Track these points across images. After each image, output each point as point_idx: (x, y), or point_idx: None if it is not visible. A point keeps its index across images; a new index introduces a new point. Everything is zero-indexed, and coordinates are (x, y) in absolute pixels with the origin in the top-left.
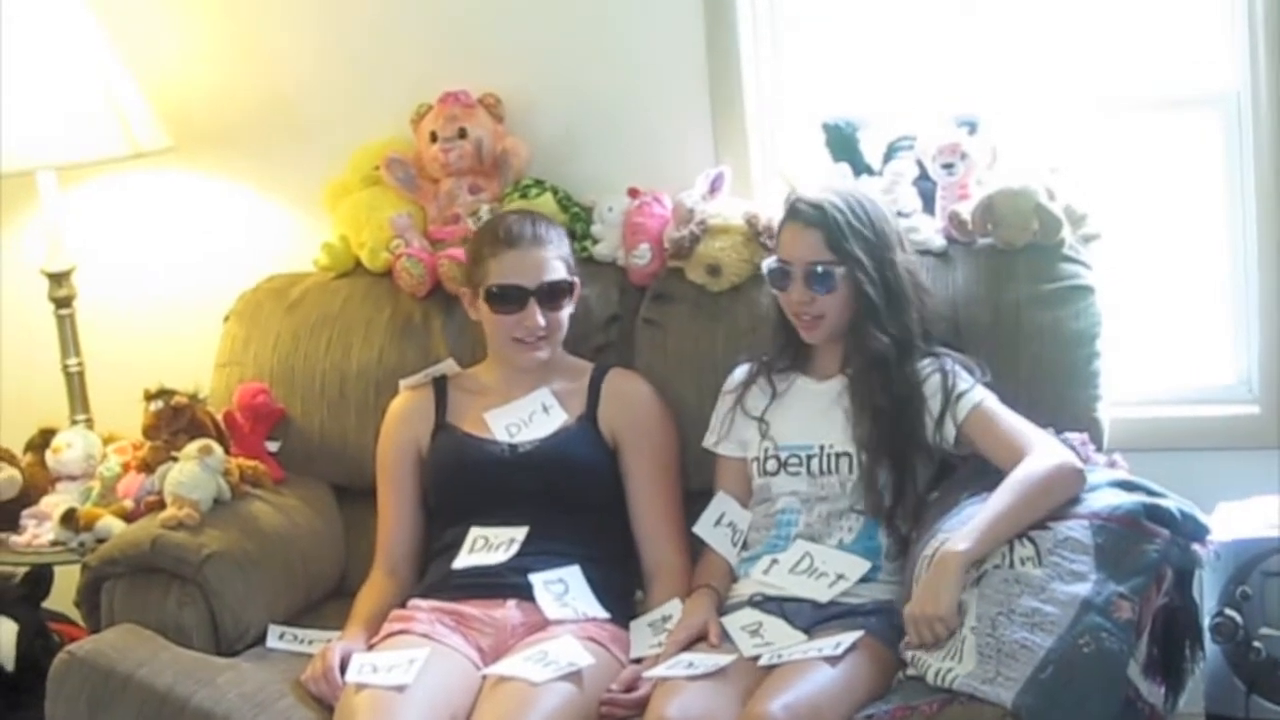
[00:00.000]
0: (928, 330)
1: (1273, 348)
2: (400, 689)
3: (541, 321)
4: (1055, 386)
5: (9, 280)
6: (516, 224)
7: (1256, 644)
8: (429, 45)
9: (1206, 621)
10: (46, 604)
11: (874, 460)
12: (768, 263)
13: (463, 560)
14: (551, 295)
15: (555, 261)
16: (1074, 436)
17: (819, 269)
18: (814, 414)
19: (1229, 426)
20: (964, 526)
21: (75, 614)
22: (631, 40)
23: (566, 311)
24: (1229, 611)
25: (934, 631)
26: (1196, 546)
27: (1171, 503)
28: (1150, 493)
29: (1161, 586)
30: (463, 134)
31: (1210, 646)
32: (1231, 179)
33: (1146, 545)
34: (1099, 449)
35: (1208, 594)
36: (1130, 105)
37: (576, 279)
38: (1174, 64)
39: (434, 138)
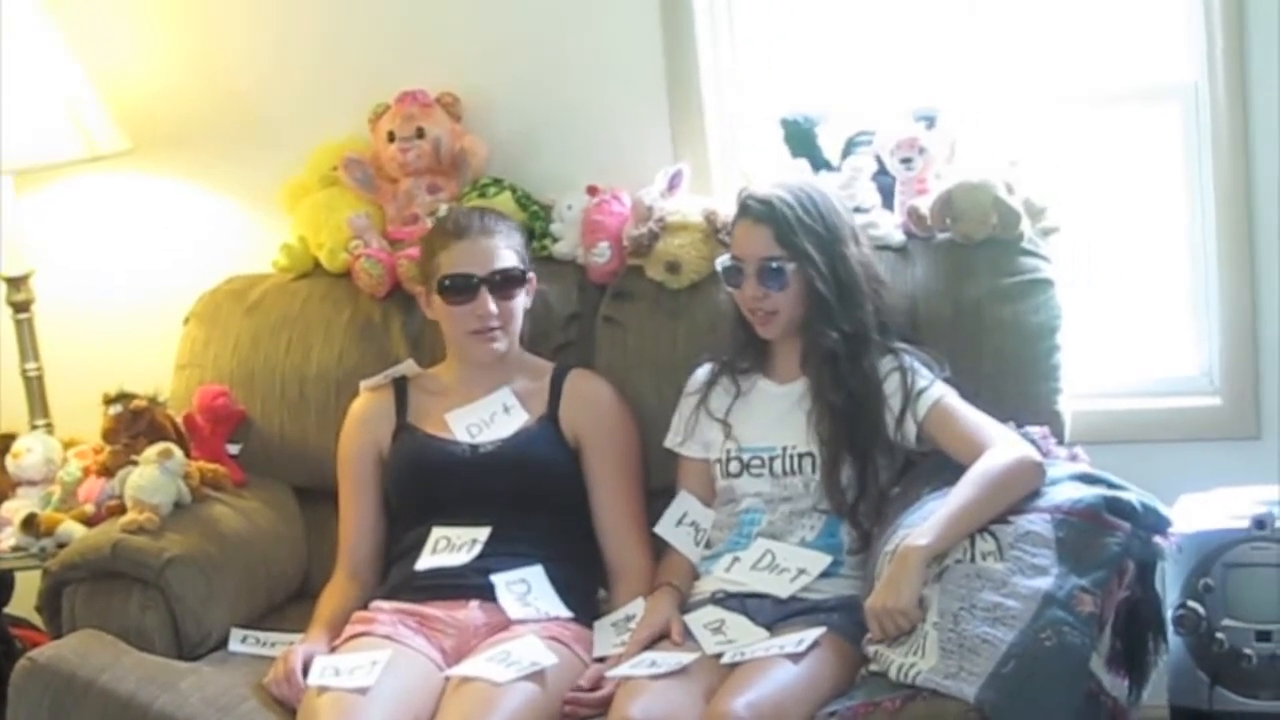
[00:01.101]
0: (885, 324)
1: (1234, 339)
2: (362, 691)
3: (494, 309)
4: (1016, 380)
5: None
6: (464, 216)
7: (1219, 635)
8: (386, 44)
9: (1169, 614)
10: (9, 609)
11: (835, 457)
12: (721, 260)
13: (425, 561)
14: (503, 284)
15: (505, 250)
16: (1035, 430)
17: (770, 265)
18: (776, 416)
19: (1191, 418)
20: (925, 521)
21: (37, 619)
22: (589, 37)
23: (519, 302)
24: (1191, 603)
25: (895, 625)
26: (1158, 539)
27: (1133, 495)
28: (1111, 485)
29: (1123, 579)
30: (420, 133)
31: (1173, 639)
32: (1190, 171)
33: (1108, 538)
34: (1060, 442)
35: (1170, 586)
36: (1089, 98)
37: (530, 270)
38: (1132, 56)
39: (391, 137)
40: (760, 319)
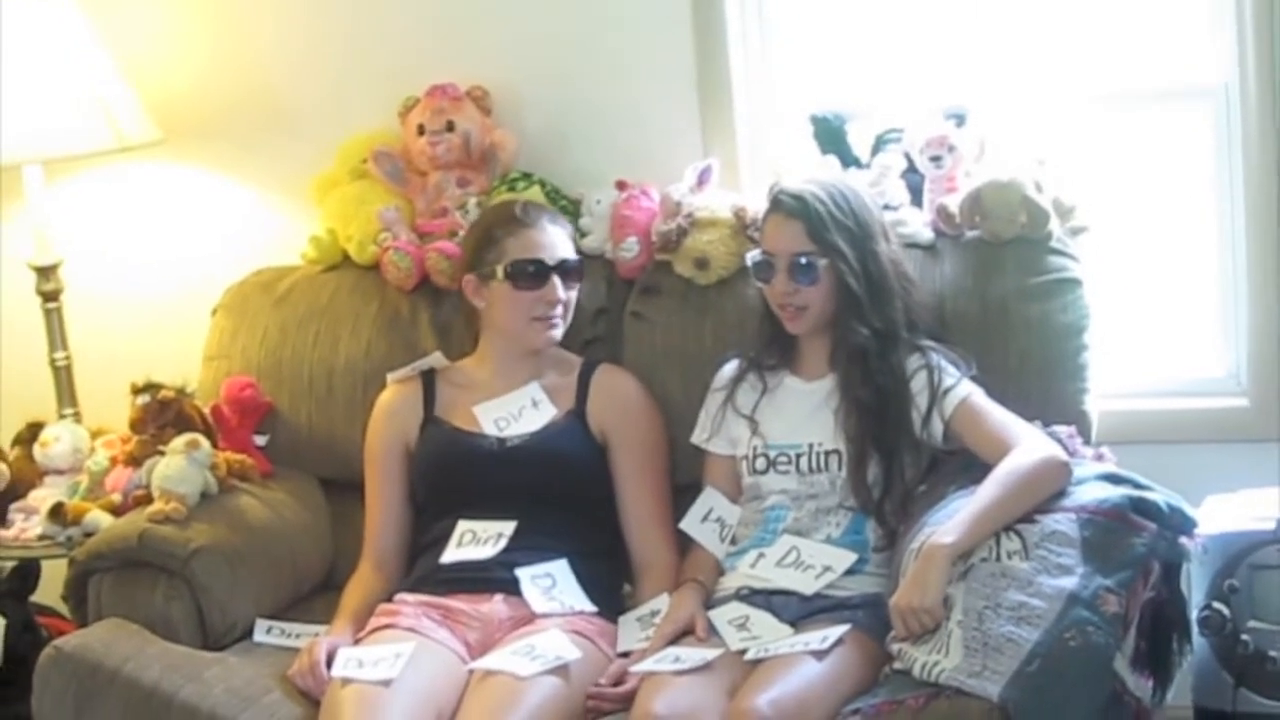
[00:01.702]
0: (914, 322)
1: (1261, 340)
2: (386, 683)
3: (563, 296)
4: (1043, 379)
5: None
6: (531, 207)
7: (1244, 637)
8: (416, 37)
9: (1194, 615)
10: (35, 598)
11: (862, 455)
12: (751, 255)
13: (450, 555)
14: (569, 273)
15: (569, 241)
16: (1061, 430)
17: (801, 260)
18: (803, 414)
19: (1218, 419)
20: (950, 520)
21: (64, 608)
22: (619, 32)
23: (576, 292)
24: (1217, 605)
25: (920, 623)
26: (1184, 540)
27: (1159, 496)
28: (1137, 486)
29: (1148, 580)
30: (450, 127)
31: (1198, 640)
32: (1220, 171)
33: (1133, 539)
34: (1086, 442)
35: (1195, 587)
36: (1120, 97)
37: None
38: (1163, 56)
39: (421, 130)
40: (789, 314)
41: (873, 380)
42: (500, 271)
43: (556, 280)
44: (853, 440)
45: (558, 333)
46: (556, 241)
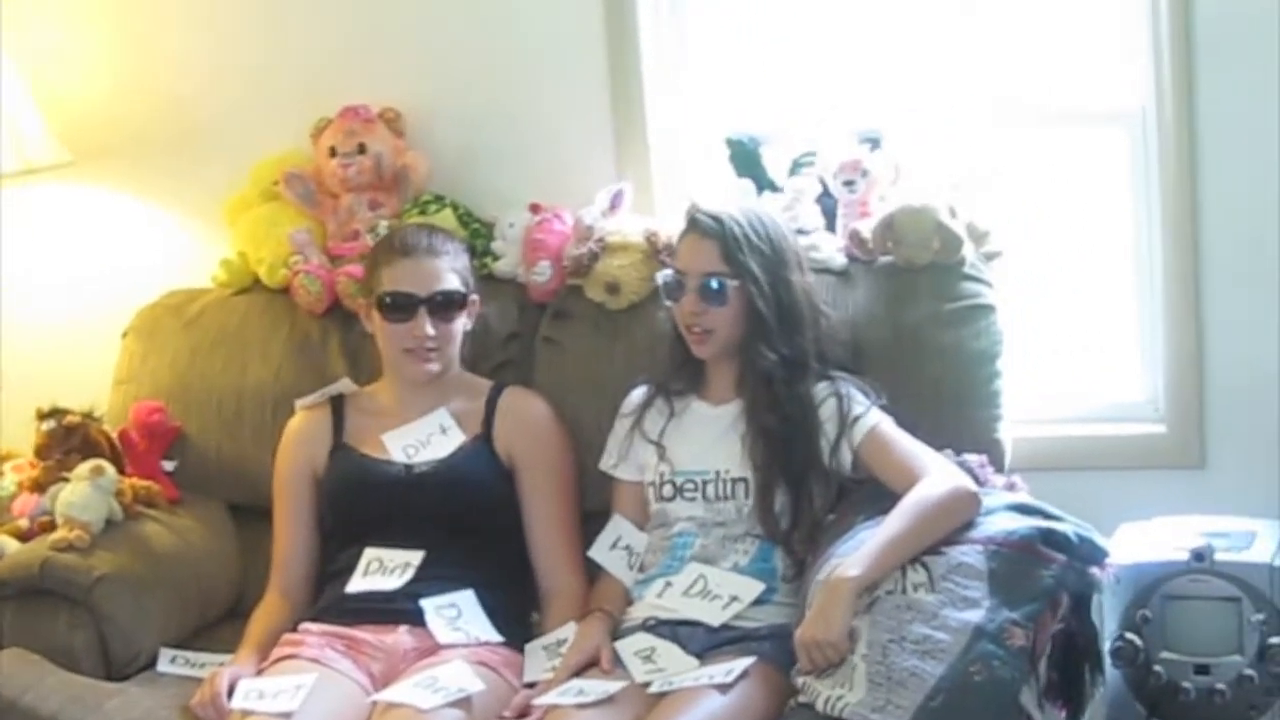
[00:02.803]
0: (824, 353)
1: (1179, 366)
2: (286, 716)
3: (431, 331)
4: (956, 407)
5: None
6: (412, 234)
7: (1157, 668)
8: (328, 58)
9: (1107, 645)
10: None
11: (769, 483)
12: (662, 274)
13: (356, 584)
14: (443, 306)
15: (449, 273)
16: (973, 458)
17: (712, 281)
18: (710, 439)
19: (1134, 446)
20: (856, 551)
21: None
22: (533, 54)
23: (459, 324)
24: (1129, 635)
25: (824, 656)
26: (1094, 570)
27: (1069, 527)
28: (1047, 516)
29: (1057, 612)
30: (362, 149)
31: (1111, 670)
32: (1137, 196)
33: (1041, 570)
34: (999, 470)
35: (1108, 617)
36: (1036, 120)
37: (473, 293)
38: (1080, 80)
39: (333, 152)
40: (696, 336)
41: (779, 408)
42: (375, 300)
43: (424, 314)
44: (759, 469)
45: (432, 366)
46: (433, 273)
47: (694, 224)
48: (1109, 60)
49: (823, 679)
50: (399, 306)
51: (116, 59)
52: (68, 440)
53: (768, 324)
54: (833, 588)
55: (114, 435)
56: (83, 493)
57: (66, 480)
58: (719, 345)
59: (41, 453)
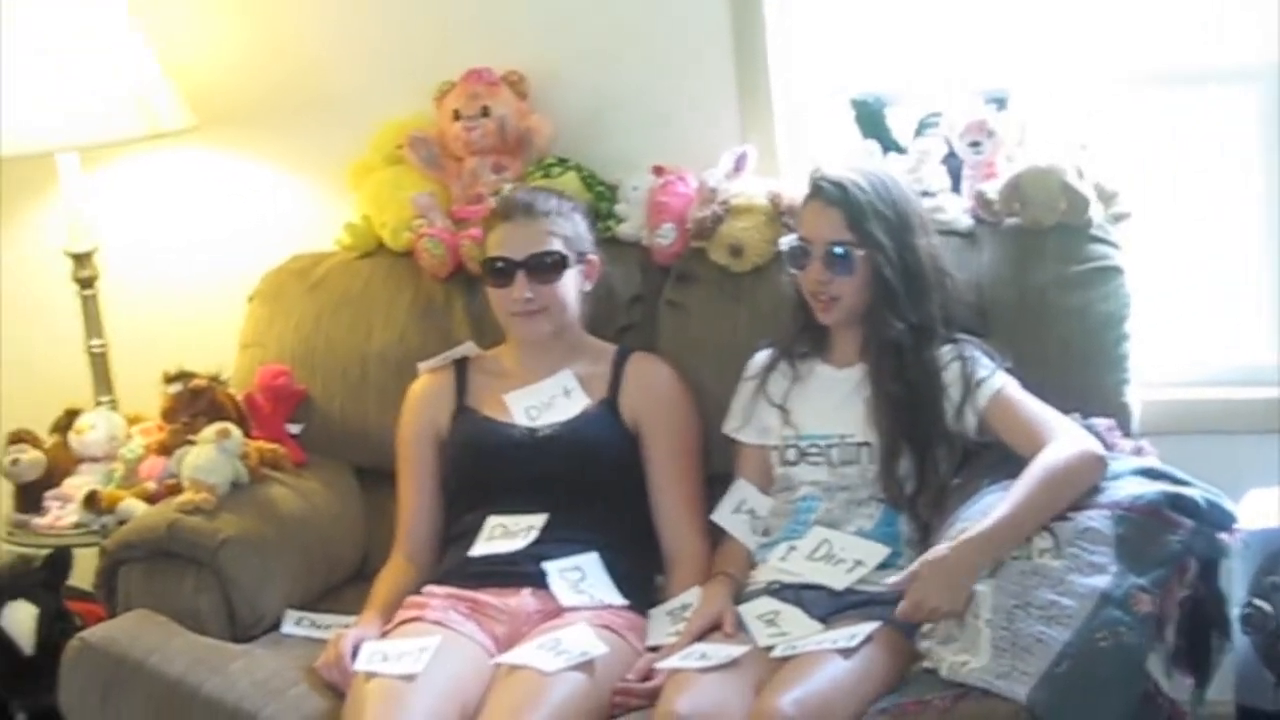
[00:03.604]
0: (949, 316)
1: None
2: (410, 678)
3: (527, 294)
4: (1082, 370)
5: (33, 261)
6: (514, 198)
7: None
8: (452, 21)
9: (1235, 612)
10: (77, 583)
11: (894, 448)
12: (786, 240)
13: (480, 548)
14: (540, 268)
15: (548, 235)
16: (1100, 422)
17: (838, 250)
18: (834, 402)
19: (1264, 409)
20: (984, 517)
21: None
22: (657, 16)
23: (563, 285)
24: (1258, 602)
25: (935, 615)
26: (1222, 536)
27: (1197, 491)
28: (1175, 481)
29: (1184, 578)
30: (486, 112)
31: (1239, 637)
32: (1268, 156)
33: (1169, 536)
34: (1126, 434)
35: (1237, 583)
36: (1164, 80)
37: (587, 253)
38: (1209, 37)
39: (457, 116)
40: (822, 304)
41: (905, 374)
42: (481, 267)
43: (522, 277)
44: (884, 434)
45: (541, 327)
46: (531, 235)
47: (818, 191)
48: (1238, 18)
49: (947, 644)
50: (498, 271)
51: (243, 25)
52: (194, 403)
53: (894, 291)
54: (955, 557)
55: (240, 399)
56: (209, 456)
57: (193, 443)
58: (844, 312)
59: (168, 415)
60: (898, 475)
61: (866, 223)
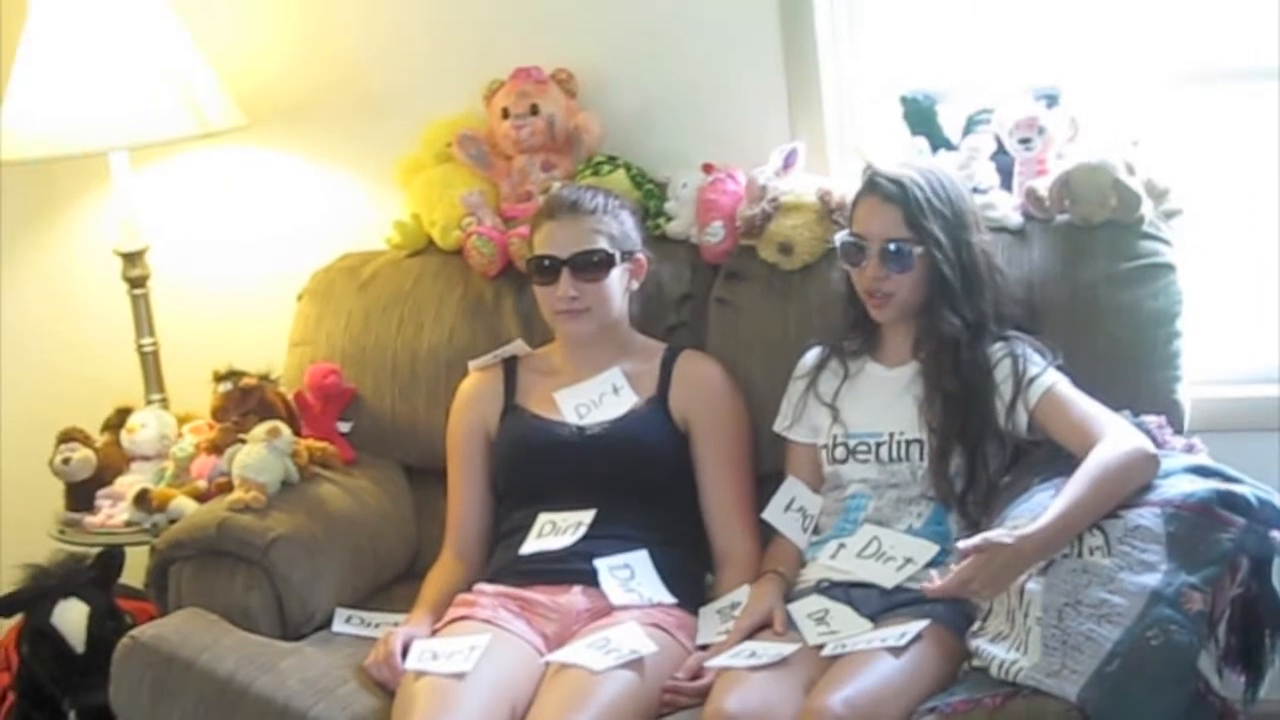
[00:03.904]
0: (1001, 313)
1: None
2: (460, 676)
3: (572, 292)
4: (1133, 368)
5: (84, 260)
6: (560, 196)
7: None
8: (501, 20)
9: None
10: (128, 581)
11: (945, 446)
12: (841, 236)
13: (530, 545)
14: (585, 266)
15: (594, 233)
16: (1151, 420)
17: (894, 247)
18: (884, 401)
19: None
20: (1036, 517)
21: None
22: (706, 14)
23: (609, 283)
24: None
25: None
26: (1275, 534)
27: (1248, 489)
28: (1226, 478)
29: (1236, 576)
30: (535, 110)
31: None
32: None
33: (1220, 534)
34: (1178, 432)
35: None
36: (1216, 77)
37: (635, 251)
38: (1262, 34)
39: (506, 114)
40: (876, 301)
41: (959, 371)
42: (527, 266)
43: (566, 275)
44: (935, 431)
45: (585, 326)
46: (576, 234)
47: (873, 187)
48: None
49: (998, 643)
50: (542, 269)
51: (292, 24)
52: (244, 402)
53: (952, 288)
54: (1012, 551)
55: (290, 397)
56: (259, 454)
57: (243, 442)
58: (899, 309)
59: (218, 414)
60: (948, 473)
61: (924, 219)
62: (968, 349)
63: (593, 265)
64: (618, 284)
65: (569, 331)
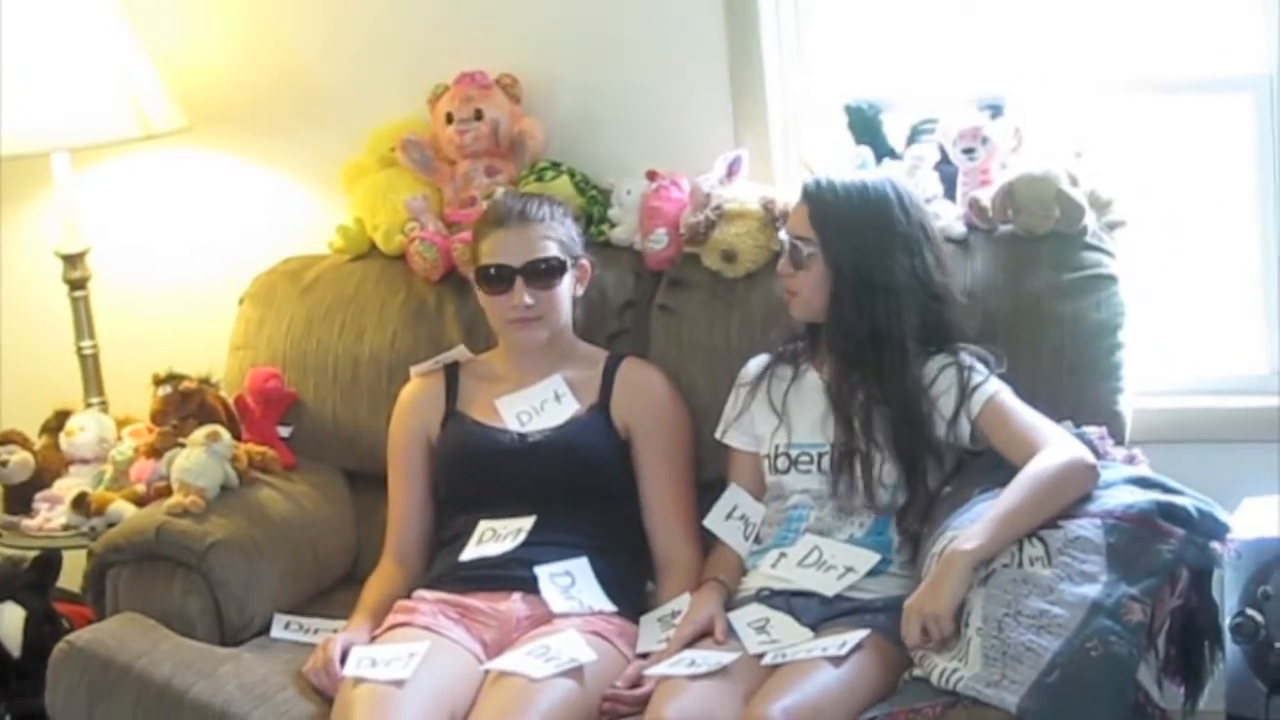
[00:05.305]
0: (940, 327)
1: None
2: (398, 683)
3: (529, 300)
4: (1076, 378)
5: (24, 262)
6: (506, 204)
7: (1278, 645)
8: (446, 24)
9: (1227, 621)
10: (66, 585)
11: (878, 457)
12: (782, 234)
13: (470, 552)
14: (539, 274)
15: (545, 240)
16: (1092, 431)
17: (791, 243)
18: (823, 411)
19: (1258, 418)
20: (973, 525)
21: None
22: (651, 20)
23: (560, 290)
24: (1250, 611)
25: (929, 630)
26: (1215, 545)
27: (1188, 500)
28: (1167, 490)
29: (1176, 587)
30: (479, 115)
31: (1231, 647)
32: (1263, 164)
33: (1160, 545)
34: (1119, 443)
35: (1229, 593)
36: (1159, 88)
37: (580, 257)
38: (1205, 46)
39: (450, 119)
40: (787, 297)
41: (881, 383)
42: (475, 275)
43: (521, 284)
44: (838, 443)
45: (538, 334)
46: (528, 241)
47: (801, 187)
48: (1233, 27)
49: (939, 653)
50: (495, 278)
51: (236, 26)
52: (184, 406)
53: (842, 298)
54: (948, 561)
55: (230, 401)
56: (198, 458)
57: (182, 445)
58: (804, 308)
59: (157, 418)
60: (885, 484)
61: (827, 223)
62: (872, 366)
63: (546, 272)
64: (568, 290)
65: (521, 339)
